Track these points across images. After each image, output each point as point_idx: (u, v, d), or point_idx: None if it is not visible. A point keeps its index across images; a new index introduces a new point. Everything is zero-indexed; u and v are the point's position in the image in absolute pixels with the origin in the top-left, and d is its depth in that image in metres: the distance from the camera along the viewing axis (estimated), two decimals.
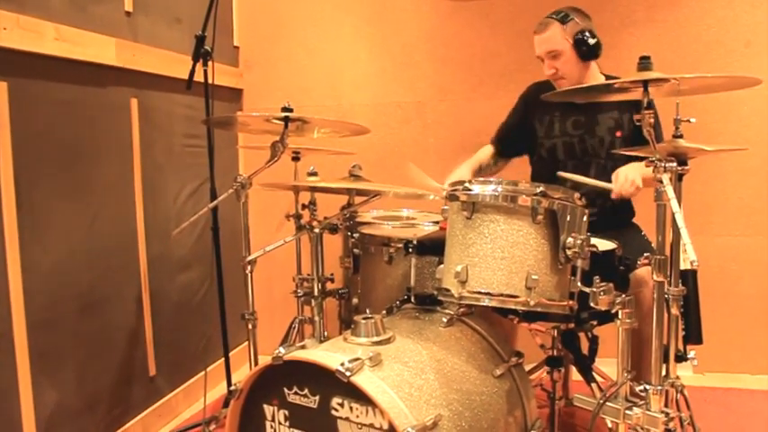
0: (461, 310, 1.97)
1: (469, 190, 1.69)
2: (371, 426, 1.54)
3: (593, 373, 2.24)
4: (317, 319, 2.07)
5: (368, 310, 1.99)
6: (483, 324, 1.96)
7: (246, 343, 2.24)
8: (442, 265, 1.78)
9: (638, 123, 1.59)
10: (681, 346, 1.89)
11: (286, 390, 1.68)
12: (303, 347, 1.72)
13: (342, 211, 2.15)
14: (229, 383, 2.59)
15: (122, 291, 2.45)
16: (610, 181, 2.31)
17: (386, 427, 1.52)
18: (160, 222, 2.66)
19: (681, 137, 1.76)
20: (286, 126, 2.01)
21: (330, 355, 1.59)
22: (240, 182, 2.04)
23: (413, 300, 2.08)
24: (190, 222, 2.41)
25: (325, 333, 2.07)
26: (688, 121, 1.77)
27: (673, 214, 1.50)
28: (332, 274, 2.42)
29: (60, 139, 2.14)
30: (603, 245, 1.93)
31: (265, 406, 1.73)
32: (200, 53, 2.40)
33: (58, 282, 2.12)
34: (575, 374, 2.39)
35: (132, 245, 2.52)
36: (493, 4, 3.16)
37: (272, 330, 2.87)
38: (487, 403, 1.73)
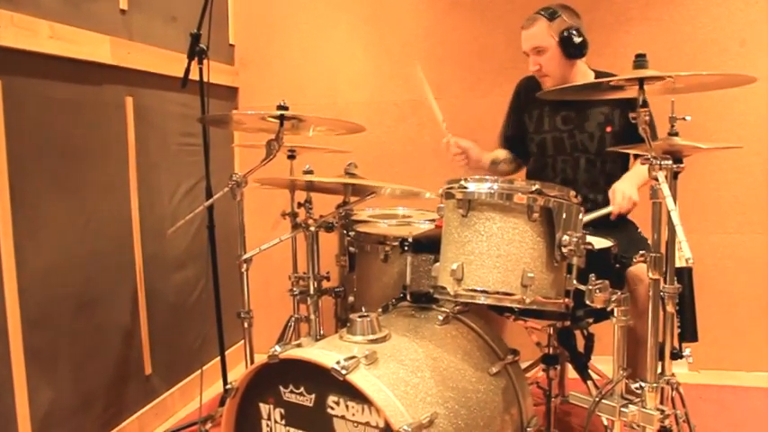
0: (457, 308, 1.97)
1: (465, 188, 1.69)
2: (367, 424, 1.54)
3: (589, 371, 2.25)
4: (312, 317, 2.07)
5: (363, 309, 2.00)
6: (479, 322, 1.96)
7: (242, 341, 2.24)
8: (437, 263, 1.78)
9: (633, 121, 1.59)
10: (676, 344, 1.90)
11: (282, 388, 1.68)
12: (299, 346, 1.72)
13: (337, 209, 2.15)
14: (225, 382, 2.59)
15: (118, 289, 2.45)
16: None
17: (382, 425, 1.52)
18: (155, 221, 2.65)
19: (676, 135, 1.77)
20: (281, 124, 2.01)
21: (326, 353, 1.59)
22: (236, 180, 2.03)
23: (409, 298, 2.08)
24: (185, 221, 2.40)
25: (321, 331, 2.07)
26: (683, 119, 1.78)
27: (668, 212, 1.50)
28: (328, 273, 2.42)
29: (55, 137, 2.13)
30: (599, 242, 1.93)
31: (261, 404, 1.73)
32: (196, 51, 2.40)
33: (53, 280, 2.11)
34: (571, 372, 2.39)
35: (127, 243, 2.51)
36: (489, 2, 3.16)
37: (268, 329, 2.87)
38: (483, 401, 1.73)
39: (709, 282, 2.97)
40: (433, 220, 2.48)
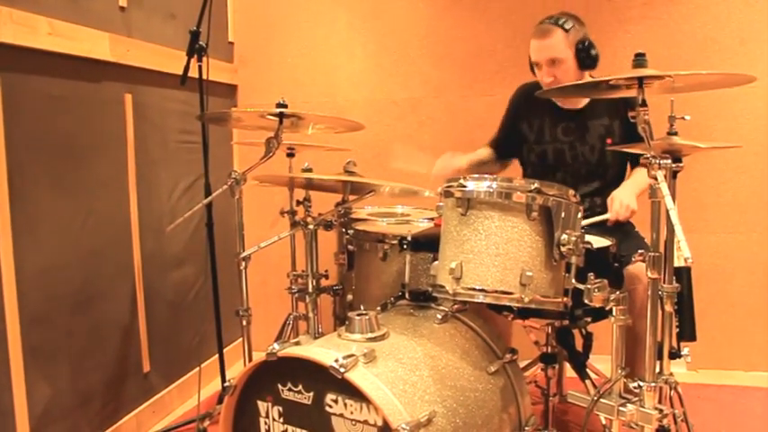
0: (456, 306, 1.97)
1: (464, 186, 1.69)
2: (365, 422, 1.54)
3: (587, 370, 2.25)
4: (311, 315, 2.07)
5: (362, 307, 1.99)
6: (477, 321, 1.96)
7: (241, 339, 2.24)
8: (436, 262, 1.78)
9: (632, 120, 1.59)
10: (675, 343, 1.90)
11: (280, 386, 1.68)
12: (297, 344, 1.71)
13: (336, 207, 2.15)
14: (223, 380, 2.59)
15: (116, 287, 2.45)
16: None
17: (380, 423, 1.52)
18: (154, 218, 2.65)
19: (675, 134, 1.76)
20: (281, 122, 2.00)
21: (324, 351, 1.59)
22: (234, 178, 2.03)
23: (407, 296, 2.08)
24: (184, 218, 2.40)
25: (320, 329, 2.07)
26: (682, 118, 1.78)
27: (667, 211, 1.50)
28: (326, 271, 2.42)
29: (54, 134, 2.13)
30: (598, 242, 1.93)
31: (259, 402, 1.73)
32: (195, 49, 2.39)
33: (52, 278, 2.11)
34: (569, 371, 2.39)
35: (126, 241, 2.51)
36: (489, 1, 3.16)
37: (267, 327, 2.87)
38: (482, 400, 1.73)
39: (707, 281, 2.98)
40: (432, 219, 2.48)
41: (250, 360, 2.19)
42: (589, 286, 1.59)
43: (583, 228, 1.72)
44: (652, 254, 1.59)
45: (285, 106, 2.00)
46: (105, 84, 2.37)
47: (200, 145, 2.51)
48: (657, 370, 1.69)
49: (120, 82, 2.45)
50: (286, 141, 2.70)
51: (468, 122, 3.18)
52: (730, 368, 3.06)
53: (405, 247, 2.08)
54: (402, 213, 2.78)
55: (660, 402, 1.66)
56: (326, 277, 2.42)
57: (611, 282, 1.63)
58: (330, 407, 1.59)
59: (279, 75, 3.40)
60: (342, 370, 1.49)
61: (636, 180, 2.28)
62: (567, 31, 2.25)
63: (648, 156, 1.55)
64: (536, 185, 1.63)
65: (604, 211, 2.19)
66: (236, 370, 2.24)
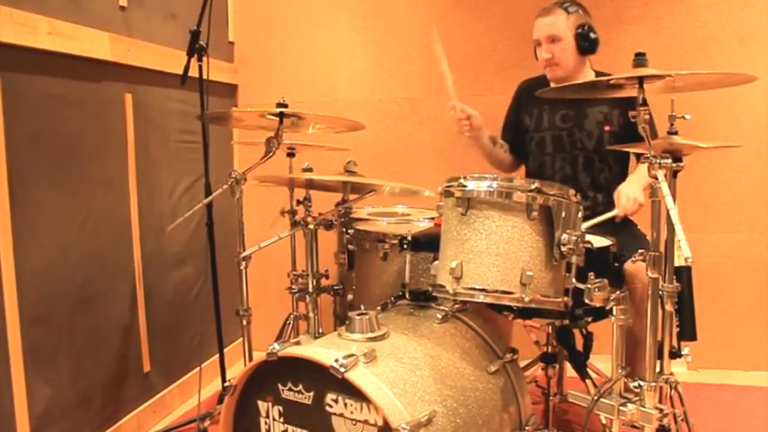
0: (456, 306, 1.97)
1: (464, 186, 1.69)
2: (366, 422, 1.54)
3: (588, 370, 2.25)
4: (311, 315, 2.07)
5: (362, 307, 1.99)
6: (478, 320, 1.96)
7: (241, 339, 2.24)
8: (436, 262, 1.78)
9: (633, 120, 1.59)
10: (675, 343, 1.90)
11: (280, 386, 1.68)
12: (297, 343, 1.71)
13: (336, 207, 2.15)
14: (224, 380, 2.59)
15: (117, 287, 2.45)
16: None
17: (380, 423, 1.52)
18: (155, 218, 2.65)
19: (676, 134, 1.77)
20: (281, 122, 2.00)
21: (324, 351, 1.59)
22: (235, 177, 2.03)
23: (407, 296, 2.08)
24: (184, 218, 2.40)
25: (320, 329, 2.07)
26: (683, 117, 1.78)
27: (667, 211, 1.50)
28: (326, 271, 2.42)
29: (54, 134, 2.12)
30: (598, 241, 1.93)
31: (260, 402, 1.73)
32: (195, 48, 2.39)
33: (52, 278, 2.11)
34: (569, 371, 2.39)
35: (126, 241, 2.51)
36: (489, 1, 3.16)
37: (267, 327, 2.87)
38: (482, 399, 1.73)
39: (708, 281, 2.97)
40: (432, 219, 2.48)
41: (250, 360, 2.19)
42: (589, 286, 1.59)
43: (590, 228, 1.72)
44: (652, 253, 1.59)
45: (285, 106, 2.00)
46: (105, 83, 2.37)
47: (201, 145, 2.51)
48: (658, 369, 1.69)
49: (120, 82, 2.45)
50: (286, 141, 2.70)
51: None
52: (731, 368, 3.06)
53: (405, 246, 2.08)
54: (402, 213, 2.78)
55: (660, 402, 1.66)
56: (327, 277, 2.42)
57: (612, 281, 1.62)
58: (330, 407, 1.59)
59: (279, 74, 3.40)
60: (342, 370, 1.49)
61: (641, 173, 2.27)
62: (568, 13, 2.34)
63: (649, 155, 1.55)
64: (536, 185, 1.63)
65: (606, 209, 2.19)
66: (237, 370, 2.24)
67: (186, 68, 2.41)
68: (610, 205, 2.28)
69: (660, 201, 1.56)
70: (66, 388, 2.17)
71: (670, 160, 1.57)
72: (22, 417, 1.97)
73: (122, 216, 2.48)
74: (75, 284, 2.22)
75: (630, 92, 1.65)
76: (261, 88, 3.41)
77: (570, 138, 2.42)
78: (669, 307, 1.76)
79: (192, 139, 2.84)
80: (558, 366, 2.32)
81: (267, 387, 1.70)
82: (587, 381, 2.21)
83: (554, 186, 1.66)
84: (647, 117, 1.57)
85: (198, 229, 2.85)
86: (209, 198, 2.31)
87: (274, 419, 1.71)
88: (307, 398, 1.63)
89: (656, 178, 1.54)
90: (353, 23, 3.32)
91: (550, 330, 2.19)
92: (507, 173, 2.65)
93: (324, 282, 2.36)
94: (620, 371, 1.64)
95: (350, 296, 2.38)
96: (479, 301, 1.67)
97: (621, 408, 1.60)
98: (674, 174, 1.73)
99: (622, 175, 2.42)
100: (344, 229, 2.44)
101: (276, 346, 1.64)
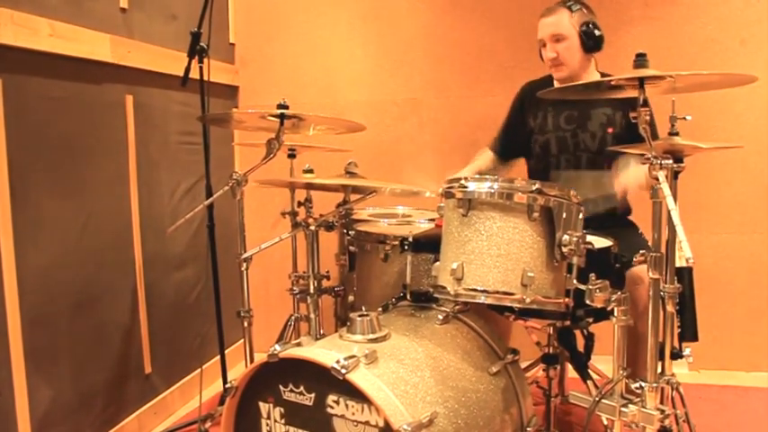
0: (457, 307, 1.97)
1: (465, 187, 1.69)
2: (367, 423, 1.54)
3: (589, 371, 2.24)
4: (312, 316, 2.06)
5: (363, 308, 1.99)
6: (479, 321, 1.96)
7: (242, 341, 2.23)
8: (437, 263, 1.78)
9: (633, 121, 1.59)
10: (676, 344, 1.89)
11: (282, 387, 1.68)
12: (299, 345, 1.71)
13: (337, 208, 2.15)
14: (225, 381, 2.59)
15: (117, 288, 2.45)
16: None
17: (381, 424, 1.52)
18: (155, 220, 2.65)
19: (677, 134, 1.76)
20: (282, 123, 2.00)
21: (326, 352, 1.59)
22: (236, 179, 2.03)
23: (408, 297, 2.08)
24: (185, 220, 2.39)
25: (321, 330, 2.07)
26: (684, 118, 1.78)
27: (668, 212, 1.50)
28: (328, 272, 2.42)
29: (55, 135, 2.13)
30: (599, 242, 1.93)
31: (261, 403, 1.73)
32: (196, 50, 2.39)
33: (53, 279, 2.11)
34: (570, 372, 2.39)
35: (127, 242, 2.51)
36: (489, 1, 3.16)
37: (268, 328, 2.87)
38: (483, 400, 1.73)
39: (709, 281, 2.97)
40: (433, 220, 2.48)
41: (251, 361, 2.19)
42: (590, 287, 1.59)
43: (589, 220, 1.72)
44: (653, 254, 1.59)
45: (286, 107, 2.00)
46: (106, 85, 2.37)
47: (202, 146, 2.50)
48: (659, 370, 1.69)
49: (121, 83, 2.45)
50: (287, 142, 2.70)
51: (469, 123, 3.18)
52: (732, 368, 3.05)
53: (406, 247, 2.08)
54: (403, 214, 2.78)
55: (662, 403, 1.66)
56: (328, 278, 2.42)
57: (613, 282, 1.63)
58: (331, 408, 1.59)
59: (280, 76, 3.40)
60: (343, 371, 1.49)
61: (642, 168, 2.26)
62: (572, 11, 2.33)
63: (650, 156, 1.55)
64: (537, 186, 1.63)
65: (608, 214, 2.19)
66: (238, 371, 2.23)
67: (187, 70, 2.41)
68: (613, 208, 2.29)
69: (661, 201, 1.56)
70: (68, 389, 2.17)
71: (671, 161, 1.57)
72: (23, 418, 1.97)
73: (123, 217, 2.48)
74: (77, 286, 2.22)
75: (631, 93, 1.65)
76: (261, 90, 3.41)
77: (574, 139, 2.41)
78: (670, 308, 1.76)
79: (192, 141, 2.84)
80: (559, 367, 2.32)
81: (268, 388, 1.70)
82: (588, 382, 2.21)
83: (555, 187, 1.66)
84: (647, 118, 1.57)
85: (199, 230, 2.85)
86: (211, 199, 2.31)
87: (276, 421, 1.71)
88: (308, 399, 1.63)
89: (657, 179, 1.54)
90: (354, 25, 3.33)
91: (551, 331, 2.19)
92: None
93: (325, 283, 2.36)
94: (621, 372, 1.63)
95: (351, 297, 2.38)
96: (480, 302, 1.66)
97: (623, 409, 1.60)
98: (675, 174, 1.73)
99: None
100: (345, 231, 2.44)
101: (277, 347, 1.64)
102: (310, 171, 2.49)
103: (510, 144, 2.59)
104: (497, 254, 1.63)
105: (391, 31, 3.29)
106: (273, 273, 3.12)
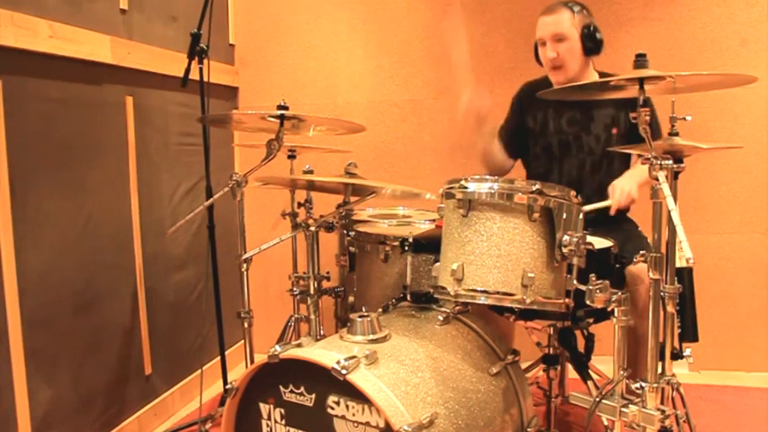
0: (457, 308, 1.97)
1: (465, 188, 1.69)
2: (367, 424, 1.54)
3: (590, 371, 2.24)
4: (312, 317, 2.07)
5: (364, 309, 1.99)
6: (479, 322, 1.96)
7: (242, 341, 2.23)
8: (438, 263, 1.78)
9: (634, 121, 1.59)
10: (677, 344, 1.89)
11: (282, 388, 1.68)
12: (299, 346, 1.71)
13: (338, 209, 2.15)
14: (225, 382, 2.59)
15: (118, 289, 2.45)
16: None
17: (382, 425, 1.51)
18: (155, 221, 2.65)
19: (676, 135, 1.76)
20: (282, 124, 2.00)
21: (326, 353, 1.59)
22: (236, 180, 2.03)
23: (409, 298, 2.08)
24: (185, 220, 2.40)
25: (322, 331, 2.07)
26: (684, 118, 1.78)
27: (668, 212, 1.50)
28: (328, 273, 2.42)
29: (55, 137, 2.13)
30: (599, 242, 1.93)
31: (261, 404, 1.73)
32: (196, 51, 2.40)
33: (53, 280, 2.11)
34: (571, 372, 2.39)
35: (128, 243, 2.51)
36: (489, 2, 3.16)
37: (268, 329, 2.87)
38: (483, 401, 1.73)
39: (709, 282, 2.97)
40: (433, 220, 2.48)
41: (252, 362, 2.19)
42: (591, 287, 1.59)
43: (585, 213, 1.71)
44: (654, 254, 1.59)
45: (286, 108, 2.00)
46: (106, 86, 2.37)
47: (202, 147, 2.51)
48: (659, 371, 1.68)
49: (121, 84, 2.45)
50: (287, 143, 2.70)
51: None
52: (732, 369, 3.05)
53: (406, 248, 2.08)
54: (403, 215, 2.77)
55: (662, 403, 1.66)
56: (328, 279, 2.42)
57: (613, 283, 1.62)
58: (332, 409, 1.59)
59: (280, 77, 3.40)
60: (343, 372, 1.49)
61: (639, 169, 2.25)
62: (574, 12, 2.30)
63: (650, 156, 1.55)
64: (537, 186, 1.63)
65: (609, 218, 2.19)
66: (238, 372, 2.23)
67: (187, 71, 2.41)
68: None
69: (661, 202, 1.56)
70: (68, 391, 2.17)
71: (671, 161, 1.57)
72: (23, 419, 1.97)
73: (123, 218, 2.48)
74: (77, 287, 2.22)
75: (631, 93, 1.65)
76: (261, 90, 3.41)
77: (577, 141, 2.39)
78: (670, 308, 1.76)
79: (192, 142, 2.84)
80: (559, 368, 2.32)
81: (269, 389, 1.70)
82: (589, 382, 2.21)
83: (555, 188, 1.65)
84: (647, 118, 1.57)
85: (199, 231, 2.85)
86: (211, 200, 2.31)
87: (276, 422, 1.71)
88: (308, 400, 1.63)
89: (657, 179, 1.54)
90: (354, 25, 3.33)
91: (552, 332, 2.19)
92: (498, 172, 2.61)
93: (325, 284, 2.36)
94: (621, 372, 1.63)
95: (351, 298, 2.38)
96: (481, 302, 1.66)
97: (623, 409, 1.60)
98: (675, 175, 1.73)
99: None
100: (345, 231, 2.44)
101: (278, 348, 1.64)
102: (310, 172, 2.49)
103: (510, 144, 2.58)
104: (497, 254, 1.63)
105: (391, 31, 3.29)
106: (274, 274, 3.12)
